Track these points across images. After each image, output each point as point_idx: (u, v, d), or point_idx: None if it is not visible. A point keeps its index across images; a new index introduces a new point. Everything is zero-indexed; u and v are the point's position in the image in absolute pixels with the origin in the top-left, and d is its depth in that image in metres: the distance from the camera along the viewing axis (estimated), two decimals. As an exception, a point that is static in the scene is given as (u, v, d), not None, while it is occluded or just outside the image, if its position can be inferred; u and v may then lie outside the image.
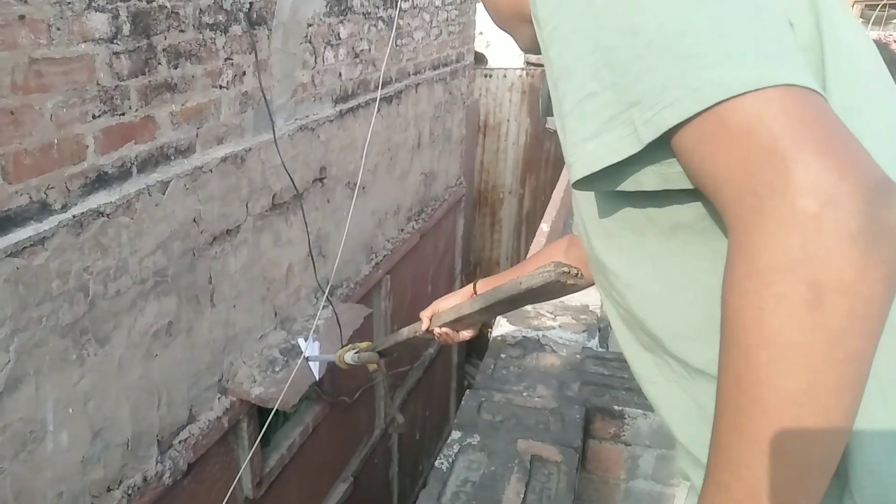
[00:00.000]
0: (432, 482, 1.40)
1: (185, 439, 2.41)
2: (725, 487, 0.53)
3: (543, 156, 8.06)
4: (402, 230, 4.37)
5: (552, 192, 8.17)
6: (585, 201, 0.72)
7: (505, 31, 0.88)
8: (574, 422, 1.60)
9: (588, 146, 0.57)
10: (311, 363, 2.76)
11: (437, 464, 1.45)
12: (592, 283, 1.12)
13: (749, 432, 0.51)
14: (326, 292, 3.14)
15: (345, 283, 3.58)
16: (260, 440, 2.84)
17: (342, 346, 2.97)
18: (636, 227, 0.66)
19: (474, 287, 1.45)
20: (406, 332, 1.60)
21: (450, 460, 1.47)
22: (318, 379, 2.78)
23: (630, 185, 0.59)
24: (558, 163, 8.12)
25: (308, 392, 2.88)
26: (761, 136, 0.49)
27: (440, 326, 1.41)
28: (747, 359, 0.50)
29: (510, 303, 1.29)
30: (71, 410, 1.90)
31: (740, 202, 0.50)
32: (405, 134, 4.16)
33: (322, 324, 3.08)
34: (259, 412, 2.83)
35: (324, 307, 3.13)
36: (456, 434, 1.55)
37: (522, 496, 1.37)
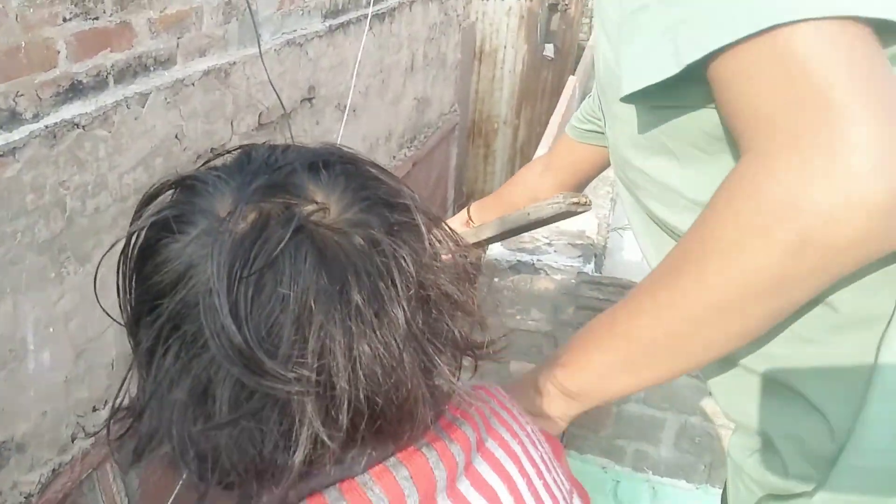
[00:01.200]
0: (422, 403, 1.37)
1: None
2: (615, 349, 0.59)
3: (540, 85, 7.85)
4: (395, 157, 4.26)
5: (547, 123, 8.01)
6: (623, 110, 0.68)
7: None
8: (568, 345, 1.57)
9: (636, 62, 0.54)
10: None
11: (427, 385, 1.42)
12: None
13: (662, 305, 0.54)
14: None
15: (335, 209, 3.50)
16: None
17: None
18: (681, 135, 0.63)
19: (468, 213, 1.40)
20: None
21: (441, 382, 1.44)
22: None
23: (672, 99, 0.56)
24: (555, 92, 7.93)
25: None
26: (818, 77, 0.45)
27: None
28: (703, 251, 0.51)
29: (511, 233, 1.25)
30: (52, 329, 1.85)
31: (773, 134, 0.47)
32: (398, 55, 4.00)
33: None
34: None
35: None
36: (447, 356, 1.51)
37: (514, 418, 1.34)
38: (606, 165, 1.14)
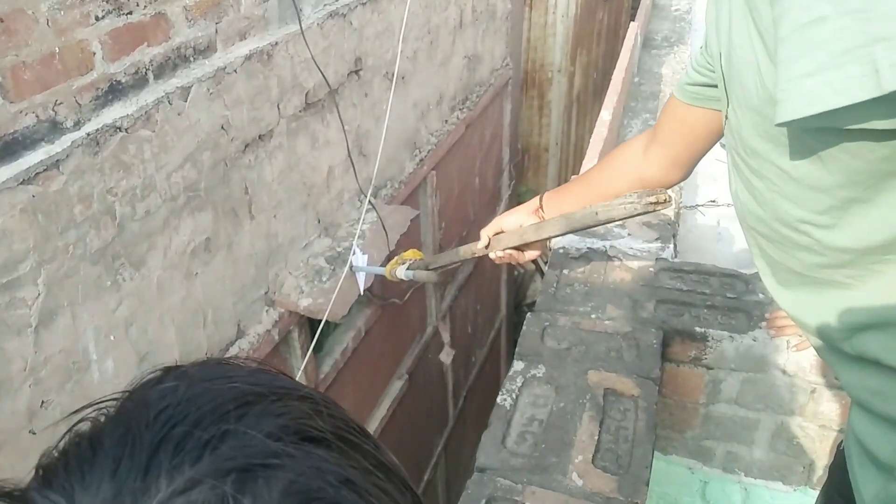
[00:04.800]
0: (495, 422, 1.27)
1: (236, 355, 2.36)
2: None
3: (596, 28, 7.45)
4: (447, 121, 4.10)
5: (605, 68, 7.62)
6: (760, 102, 0.63)
7: None
8: (651, 348, 1.43)
9: (807, 83, 0.45)
10: (357, 274, 2.64)
11: (499, 400, 1.32)
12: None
13: None
14: (369, 195, 2.97)
15: (389, 182, 3.39)
16: (313, 348, 2.79)
17: (389, 255, 2.85)
18: (847, 158, 0.57)
19: (540, 201, 1.28)
20: (463, 252, 1.45)
21: (513, 396, 1.33)
22: (362, 293, 2.68)
23: (852, 121, 0.48)
24: (611, 35, 7.52)
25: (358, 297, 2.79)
26: None
27: (502, 250, 1.25)
28: None
29: (581, 228, 1.13)
30: (113, 337, 1.83)
31: None
32: (445, 13, 3.79)
33: (367, 228, 2.94)
34: (310, 320, 2.76)
35: (367, 210, 2.97)
36: (518, 364, 1.40)
37: (597, 437, 1.23)
38: None
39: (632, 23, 4.33)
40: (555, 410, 1.29)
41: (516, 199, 6.50)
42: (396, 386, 3.99)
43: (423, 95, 3.68)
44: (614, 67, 4.00)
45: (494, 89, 4.92)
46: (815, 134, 0.57)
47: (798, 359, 1.51)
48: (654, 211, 0.98)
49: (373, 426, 3.71)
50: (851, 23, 0.43)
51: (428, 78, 3.69)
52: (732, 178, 0.76)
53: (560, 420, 1.27)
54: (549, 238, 1.20)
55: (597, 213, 1.03)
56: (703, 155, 1.04)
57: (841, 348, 0.71)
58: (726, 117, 0.73)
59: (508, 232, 1.25)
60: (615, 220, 1.03)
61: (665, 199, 0.96)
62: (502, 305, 6.63)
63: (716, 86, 0.87)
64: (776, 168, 0.64)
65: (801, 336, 1.49)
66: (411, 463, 4.52)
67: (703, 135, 0.98)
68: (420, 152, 3.73)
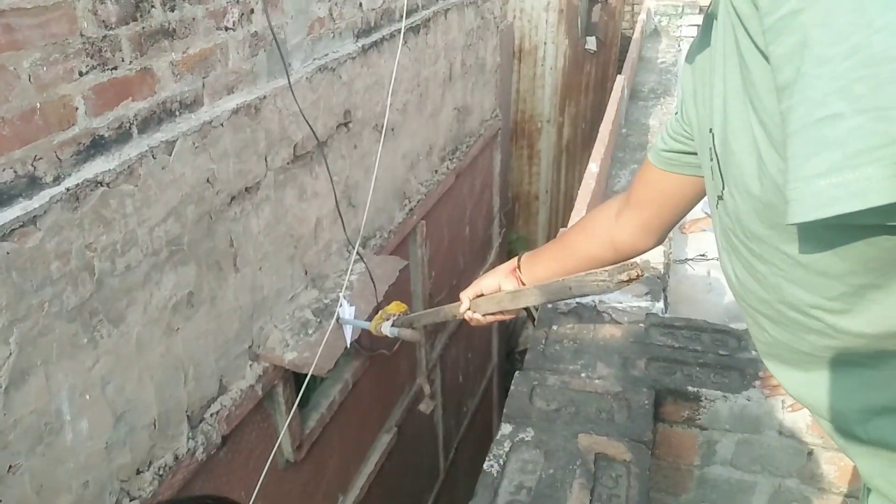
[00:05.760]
0: (481, 491, 1.21)
1: (217, 412, 2.29)
2: None
3: (584, 80, 7.59)
4: (436, 171, 4.11)
5: (593, 119, 7.73)
6: (762, 190, 0.61)
7: None
8: (643, 409, 1.39)
9: (820, 183, 0.44)
10: (344, 327, 2.60)
11: (485, 466, 1.27)
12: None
13: None
14: (357, 246, 2.95)
15: (378, 232, 3.38)
16: (298, 402, 2.72)
17: (377, 306, 2.80)
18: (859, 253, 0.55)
19: (518, 262, 1.26)
20: (445, 313, 1.42)
21: (500, 462, 1.28)
22: (348, 346, 2.63)
23: (870, 219, 0.45)
24: (599, 87, 7.66)
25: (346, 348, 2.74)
26: None
27: (482, 315, 1.22)
28: None
29: (557, 300, 1.12)
30: (88, 397, 1.76)
31: None
32: (435, 67, 3.84)
33: (355, 279, 2.90)
34: (296, 374, 2.70)
35: (355, 261, 2.94)
36: (506, 428, 1.35)
37: (587, 507, 1.17)
38: (701, 197, 0.96)
39: (619, 75, 4.40)
40: (544, 477, 1.24)
41: (507, 247, 6.50)
42: (385, 439, 3.90)
43: (413, 146, 3.69)
44: (602, 118, 4.04)
45: (484, 140, 4.97)
46: (828, 227, 0.54)
47: (794, 419, 1.47)
48: (627, 285, 0.96)
49: (360, 482, 3.60)
50: (869, 122, 0.41)
51: (418, 129, 3.72)
52: (728, 258, 0.72)
53: (549, 488, 1.22)
54: (525, 307, 1.19)
55: (570, 288, 1.02)
56: (677, 222, 1.02)
57: (855, 433, 0.66)
58: (720, 198, 0.69)
59: (487, 296, 1.23)
60: (587, 295, 1.01)
61: (637, 276, 0.94)
62: (494, 353, 6.55)
63: (693, 153, 0.86)
64: (782, 254, 0.61)
65: None
66: (400, 520, 4.38)
67: (676, 201, 0.96)
68: (410, 202, 3.73)
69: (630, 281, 0.93)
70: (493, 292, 1.23)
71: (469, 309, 1.27)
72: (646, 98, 5.31)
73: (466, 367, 5.57)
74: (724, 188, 0.70)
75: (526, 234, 8.21)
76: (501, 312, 1.23)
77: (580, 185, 3.19)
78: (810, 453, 1.48)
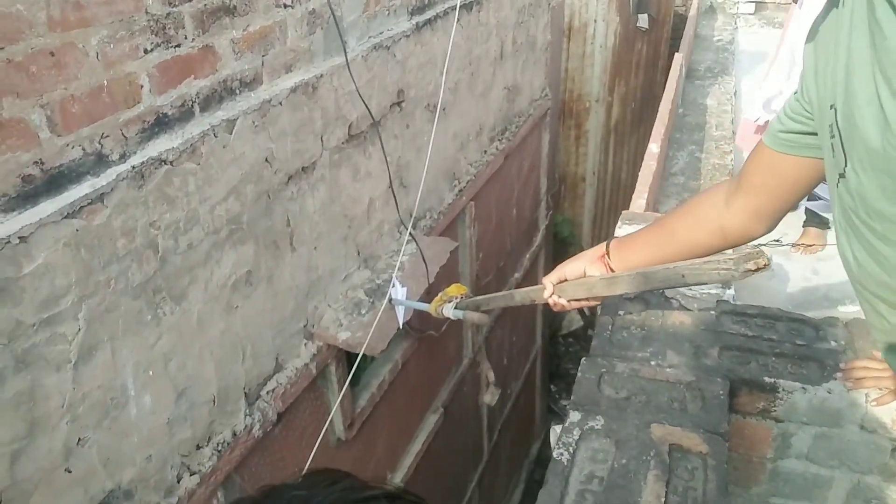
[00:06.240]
0: (552, 479, 1.18)
1: (273, 389, 2.31)
2: None
3: (634, 58, 7.39)
4: (486, 152, 4.06)
5: (643, 98, 7.54)
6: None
7: None
8: (718, 400, 1.34)
9: None
10: (396, 307, 2.59)
11: (555, 455, 1.23)
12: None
13: None
14: (410, 226, 2.93)
15: (428, 213, 3.35)
16: (349, 381, 2.73)
17: (428, 288, 2.78)
18: None
19: (607, 248, 1.20)
20: (520, 297, 1.38)
21: (570, 450, 1.24)
22: (401, 326, 2.62)
23: None
24: (650, 65, 7.45)
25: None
26: None
27: (568, 300, 1.18)
28: None
29: (661, 288, 1.05)
30: (151, 373, 1.79)
31: None
32: (486, 45, 3.77)
33: (406, 260, 2.89)
34: (347, 353, 2.70)
35: (407, 242, 2.92)
36: (575, 415, 1.31)
37: (664, 500, 1.13)
38: (818, 181, 0.90)
39: (676, 53, 4.26)
40: (616, 467, 1.20)
41: (553, 230, 6.41)
42: (432, 420, 3.90)
43: (463, 126, 3.64)
44: (653, 98, 3.93)
45: (533, 120, 4.88)
46: None
47: (878, 414, 1.40)
48: (753, 275, 0.87)
49: (408, 461, 3.62)
50: None
51: (468, 109, 3.66)
52: (846, 239, 0.69)
53: (623, 479, 1.18)
54: (622, 293, 1.12)
55: (683, 276, 0.93)
56: (790, 208, 0.96)
57: None
58: (842, 175, 0.65)
59: (574, 281, 1.18)
60: (704, 284, 0.93)
61: (764, 265, 0.86)
62: (538, 336, 6.50)
63: (813, 133, 0.80)
64: None
65: (881, 389, 1.38)
66: (444, 499, 4.40)
67: (792, 185, 0.91)
68: (459, 183, 3.69)
69: (757, 270, 0.85)
70: (576, 278, 1.18)
71: (553, 294, 1.23)
72: (702, 77, 5.13)
73: (511, 349, 5.54)
74: (846, 165, 0.66)
75: (571, 217, 8.09)
76: (587, 299, 1.18)
77: (628, 166, 3.11)
78: (894, 450, 1.41)
